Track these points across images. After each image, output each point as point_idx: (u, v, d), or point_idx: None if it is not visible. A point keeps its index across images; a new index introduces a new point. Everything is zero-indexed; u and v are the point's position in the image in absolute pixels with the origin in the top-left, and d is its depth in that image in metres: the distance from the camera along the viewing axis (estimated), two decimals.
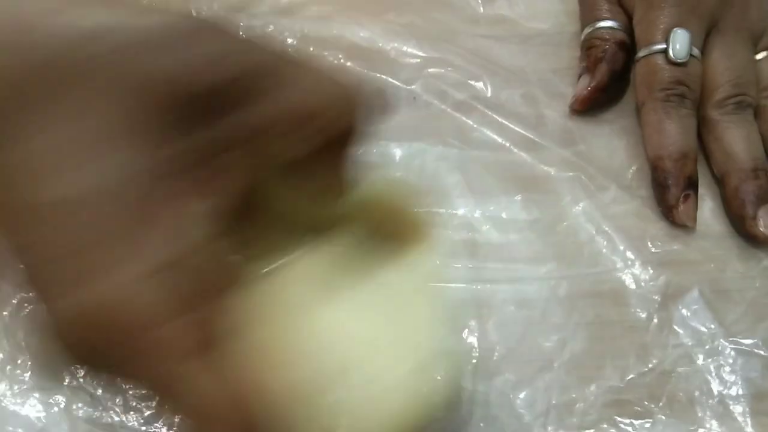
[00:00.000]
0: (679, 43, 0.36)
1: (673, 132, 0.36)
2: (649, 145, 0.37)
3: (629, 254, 0.34)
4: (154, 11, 0.18)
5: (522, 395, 0.31)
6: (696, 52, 0.37)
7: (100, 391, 0.29)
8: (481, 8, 0.43)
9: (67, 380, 0.29)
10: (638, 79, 0.38)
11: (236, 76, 0.19)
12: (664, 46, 0.36)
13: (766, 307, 0.33)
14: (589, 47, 0.39)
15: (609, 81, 0.38)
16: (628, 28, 0.39)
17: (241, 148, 0.19)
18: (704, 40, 0.38)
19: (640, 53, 0.37)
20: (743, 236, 0.35)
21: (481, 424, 0.30)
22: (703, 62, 0.37)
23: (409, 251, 0.24)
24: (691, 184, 0.35)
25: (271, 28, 0.40)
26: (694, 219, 0.35)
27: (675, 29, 0.36)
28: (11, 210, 0.18)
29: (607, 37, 0.39)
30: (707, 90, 0.37)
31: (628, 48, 0.39)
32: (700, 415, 0.30)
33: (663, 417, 0.30)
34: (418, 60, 0.40)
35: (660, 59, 0.36)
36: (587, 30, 0.40)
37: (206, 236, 0.19)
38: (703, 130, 0.37)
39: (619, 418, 0.30)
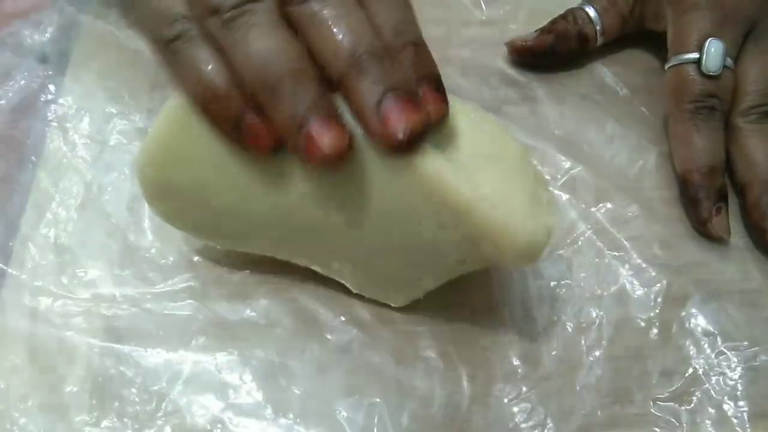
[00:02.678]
0: (713, 55, 0.35)
1: (702, 146, 0.35)
2: (677, 158, 0.36)
3: (631, 257, 0.34)
4: None
5: (520, 400, 0.31)
6: (729, 62, 0.36)
7: (95, 401, 0.29)
8: (483, 9, 0.43)
9: (67, 388, 0.29)
10: (668, 88, 0.37)
11: None
12: (696, 55, 0.36)
13: (766, 313, 0.33)
14: (563, 16, 0.41)
15: (545, 51, 0.40)
16: (609, 27, 0.40)
17: None
18: (739, 45, 0.37)
19: (671, 62, 0.37)
20: (762, 248, 0.35)
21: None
22: (736, 68, 0.36)
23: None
24: (722, 197, 0.35)
25: None
26: (729, 231, 0.35)
27: (709, 39, 0.35)
28: None
29: (579, 21, 0.40)
30: (736, 97, 0.36)
31: (585, 42, 0.40)
32: (698, 420, 0.30)
33: (661, 421, 0.30)
34: None
35: (692, 70, 0.36)
36: (578, 5, 0.41)
37: None
38: (727, 136, 0.36)
39: (617, 422, 0.30)
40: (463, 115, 0.27)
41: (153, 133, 0.28)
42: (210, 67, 0.24)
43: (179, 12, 0.24)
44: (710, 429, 0.30)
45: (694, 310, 0.33)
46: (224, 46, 0.24)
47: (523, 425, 0.30)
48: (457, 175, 0.25)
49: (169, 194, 0.30)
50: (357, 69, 0.23)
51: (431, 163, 0.24)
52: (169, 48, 0.24)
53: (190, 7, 0.24)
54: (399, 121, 0.23)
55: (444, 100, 0.25)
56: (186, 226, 0.32)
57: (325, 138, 0.23)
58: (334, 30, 0.23)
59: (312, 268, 0.32)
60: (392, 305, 0.32)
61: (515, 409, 0.30)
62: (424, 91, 0.24)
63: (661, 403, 0.31)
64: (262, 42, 0.23)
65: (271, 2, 0.24)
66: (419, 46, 0.25)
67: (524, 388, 0.31)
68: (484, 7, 0.44)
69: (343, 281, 0.32)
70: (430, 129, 0.24)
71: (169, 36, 0.24)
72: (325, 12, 0.23)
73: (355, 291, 0.32)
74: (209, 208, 0.29)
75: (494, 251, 0.26)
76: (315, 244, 0.30)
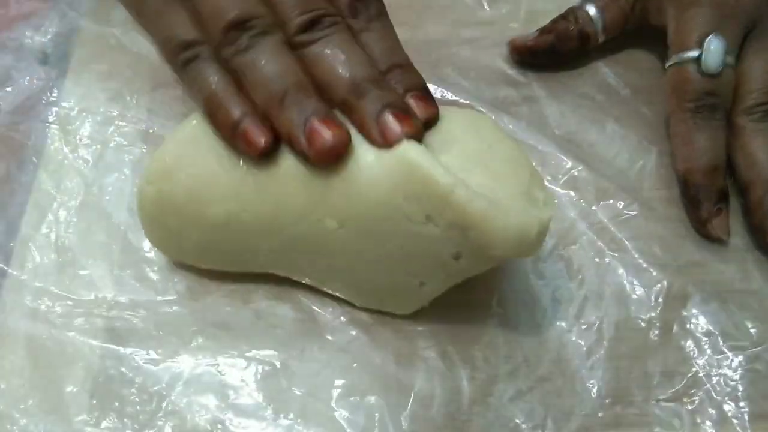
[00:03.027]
0: (713, 53, 0.35)
1: (703, 145, 0.35)
2: (678, 157, 0.36)
3: (631, 257, 0.34)
4: None
5: (520, 400, 0.30)
6: (730, 60, 0.35)
7: (95, 401, 0.29)
8: (484, 9, 0.43)
9: (67, 388, 0.30)
10: (669, 87, 0.37)
11: None
12: (696, 53, 0.35)
13: (766, 313, 0.33)
14: (563, 16, 0.41)
15: (546, 50, 0.40)
16: (610, 24, 0.40)
17: None
18: (741, 42, 0.36)
19: (672, 60, 0.36)
20: (763, 248, 0.35)
21: None
22: (738, 66, 0.36)
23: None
24: (723, 197, 0.35)
25: None
26: (728, 232, 0.35)
27: (709, 37, 0.35)
28: None
29: (580, 21, 0.40)
30: (738, 95, 0.36)
31: (586, 41, 0.40)
32: (699, 421, 0.30)
33: (662, 422, 0.30)
34: (418, 61, 0.40)
35: (692, 69, 0.35)
36: (578, 3, 0.41)
37: None
38: (729, 135, 0.36)
39: (617, 423, 0.30)
40: (455, 122, 0.29)
41: (158, 152, 0.30)
42: (218, 81, 0.28)
43: (194, 38, 0.28)
44: (711, 429, 0.30)
45: (694, 310, 0.33)
46: (237, 68, 0.28)
47: (523, 425, 0.30)
48: (436, 164, 0.26)
49: (168, 210, 0.30)
50: (357, 93, 0.27)
51: (412, 152, 0.26)
52: (185, 69, 0.28)
53: (202, 34, 0.28)
54: (395, 128, 0.27)
55: (431, 102, 0.29)
56: (182, 249, 0.32)
57: (326, 131, 0.26)
58: (337, 64, 0.27)
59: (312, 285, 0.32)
60: (397, 313, 0.32)
61: (515, 409, 0.30)
62: (413, 98, 0.28)
63: (661, 403, 0.31)
64: (271, 64, 0.27)
65: (280, 38, 0.28)
66: (405, 66, 0.29)
67: (524, 388, 0.31)
68: (486, 6, 0.44)
69: (346, 298, 0.32)
70: (423, 132, 0.28)
71: (186, 58, 0.28)
72: (327, 51, 0.28)
73: (358, 305, 0.32)
74: (207, 223, 0.29)
75: (483, 239, 0.26)
76: (312, 258, 0.30)
